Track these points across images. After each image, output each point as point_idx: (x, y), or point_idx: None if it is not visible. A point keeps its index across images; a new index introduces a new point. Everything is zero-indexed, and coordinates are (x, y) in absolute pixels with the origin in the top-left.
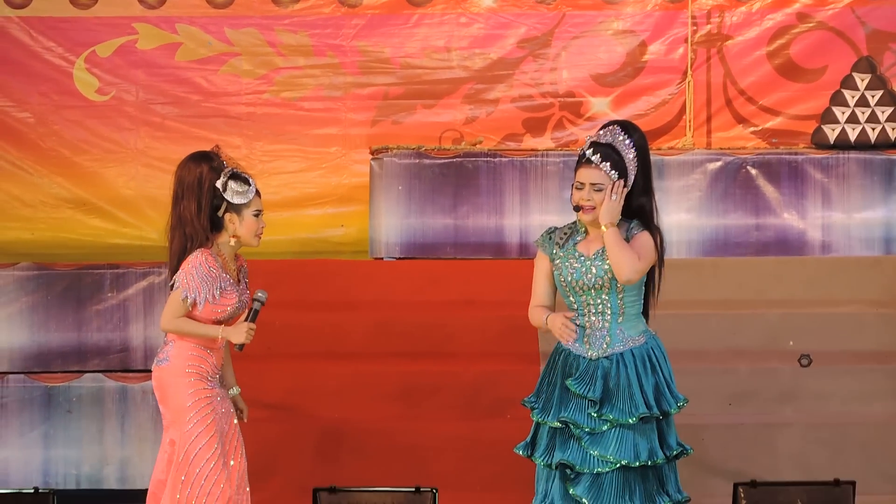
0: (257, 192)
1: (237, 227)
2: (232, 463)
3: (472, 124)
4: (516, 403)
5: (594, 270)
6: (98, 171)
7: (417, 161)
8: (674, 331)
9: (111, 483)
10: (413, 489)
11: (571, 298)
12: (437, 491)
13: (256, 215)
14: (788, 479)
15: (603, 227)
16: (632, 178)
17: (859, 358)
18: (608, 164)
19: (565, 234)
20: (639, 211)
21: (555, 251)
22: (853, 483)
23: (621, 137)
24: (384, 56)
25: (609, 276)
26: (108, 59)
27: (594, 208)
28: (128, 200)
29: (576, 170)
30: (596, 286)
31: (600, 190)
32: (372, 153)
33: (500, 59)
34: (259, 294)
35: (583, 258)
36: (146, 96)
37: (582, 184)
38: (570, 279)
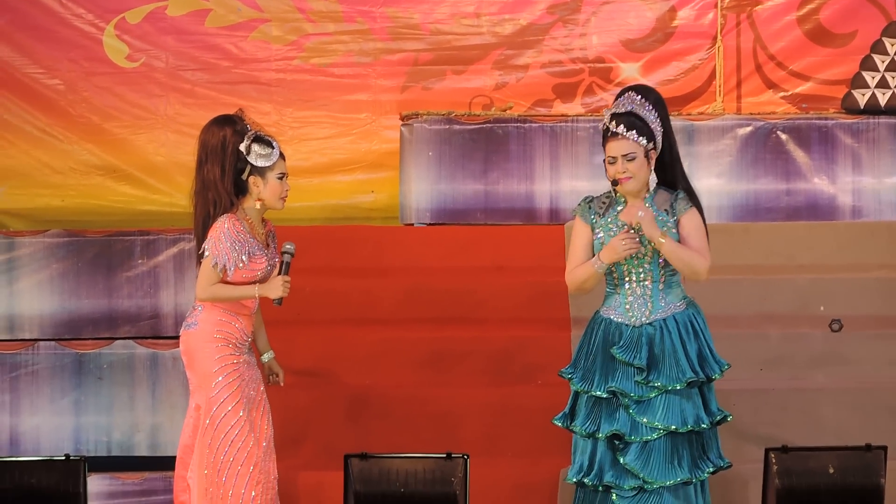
0: (281, 155)
1: (261, 191)
2: (260, 430)
3: (501, 90)
4: (547, 369)
5: (637, 240)
6: (128, 137)
7: (447, 127)
8: (705, 296)
9: (142, 450)
10: (444, 455)
11: (612, 267)
12: (468, 457)
13: (281, 178)
14: (819, 444)
15: (659, 240)
16: (659, 140)
17: (890, 323)
18: (634, 131)
19: (604, 203)
20: (672, 173)
21: (595, 220)
22: (884, 448)
23: (640, 100)
24: (413, 22)
25: (652, 244)
26: (137, 25)
27: (631, 178)
28: (158, 167)
29: (603, 145)
30: (639, 255)
31: (633, 159)
32: (402, 119)
33: (530, 24)
34: (287, 246)
35: (626, 227)
36: (176, 63)
37: (614, 157)
38: None
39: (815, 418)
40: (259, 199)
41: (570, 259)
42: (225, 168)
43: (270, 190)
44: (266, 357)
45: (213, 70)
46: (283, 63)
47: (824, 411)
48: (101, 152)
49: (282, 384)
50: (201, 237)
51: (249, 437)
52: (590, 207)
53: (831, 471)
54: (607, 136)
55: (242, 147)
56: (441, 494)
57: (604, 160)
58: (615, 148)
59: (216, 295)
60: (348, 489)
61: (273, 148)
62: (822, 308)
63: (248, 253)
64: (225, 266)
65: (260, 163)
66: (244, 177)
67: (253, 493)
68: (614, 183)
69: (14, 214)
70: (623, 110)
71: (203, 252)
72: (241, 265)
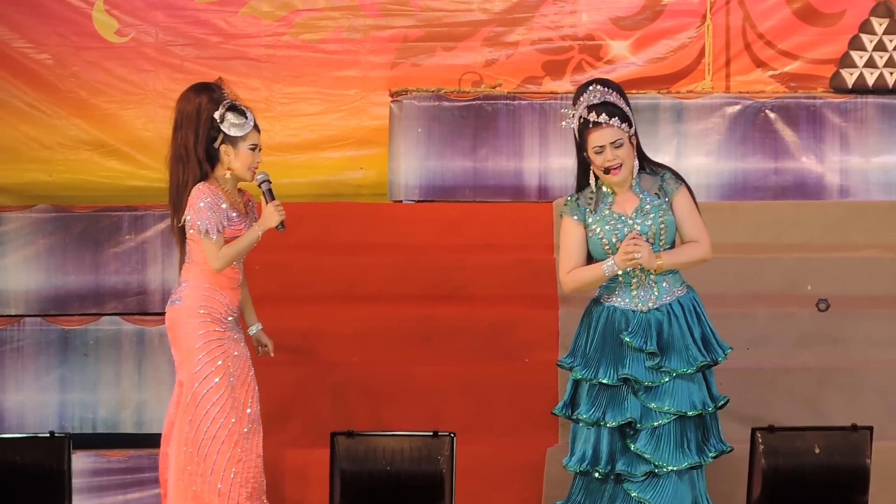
0: (256, 127)
1: (232, 160)
2: (244, 408)
3: (491, 67)
4: (534, 347)
5: (638, 228)
6: (116, 112)
7: (437, 103)
8: (692, 275)
9: (128, 427)
10: (431, 433)
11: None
12: (454, 435)
13: (252, 149)
14: (806, 424)
15: (658, 264)
16: (634, 125)
17: (877, 302)
18: (616, 118)
19: (591, 198)
20: (644, 157)
21: (587, 218)
22: (870, 428)
23: (607, 90)
24: None
25: (652, 231)
26: (127, 0)
27: (622, 166)
28: (146, 142)
29: (583, 139)
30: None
31: (621, 146)
32: (391, 95)
33: (520, 1)
34: (259, 176)
35: (623, 217)
36: (165, 38)
37: (601, 147)
38: (613, 240)
39: (802, 398)
40: (229, 169)
41: (565, 260)
42: (198, 135)
43: (241, 160)
44: (253, 329)
45: (202, 45)
46: (273, 39)
47: (811, 391)
48: (90, 127)
49: (271, 354)
50: (176, 205)
51: (231, 415)
52: (578, 205)
53: (817, 451)
54: (588, 127)
55: (217, 115)
56: (427, 472)
57: (582, 155)
58: (601, 137)
59: (229, 255)
60: (334, 467)
61: (247, 118)
62: (809, 287)
63: (227, 217)
64: (208, 229)
65: (233, 132)
66: (216, 145)
67: (233, 472)
68: (606, 172)
69: (1, 189)
70: (597, 101)
71: (182, 223)
72: (220, 229)
